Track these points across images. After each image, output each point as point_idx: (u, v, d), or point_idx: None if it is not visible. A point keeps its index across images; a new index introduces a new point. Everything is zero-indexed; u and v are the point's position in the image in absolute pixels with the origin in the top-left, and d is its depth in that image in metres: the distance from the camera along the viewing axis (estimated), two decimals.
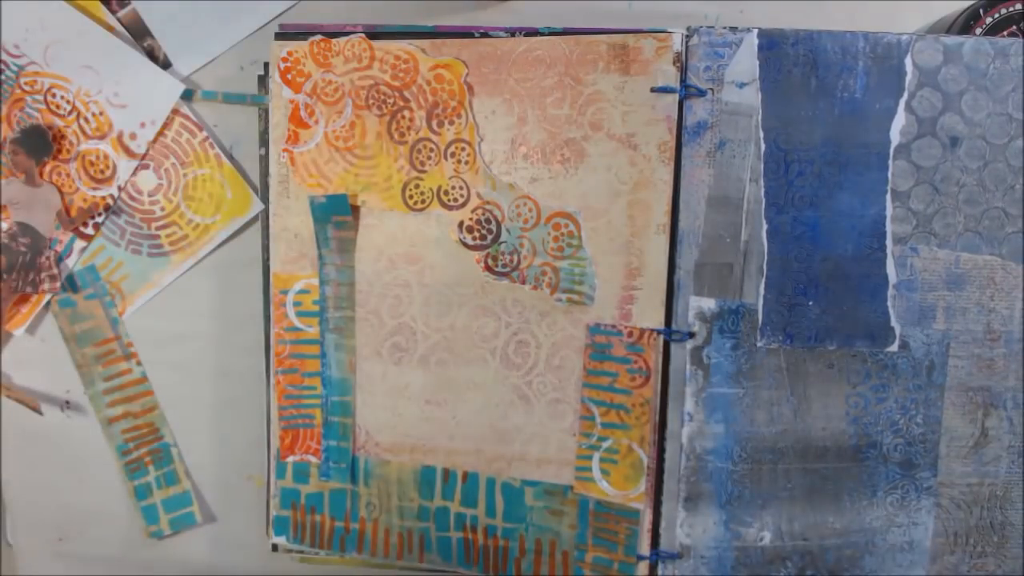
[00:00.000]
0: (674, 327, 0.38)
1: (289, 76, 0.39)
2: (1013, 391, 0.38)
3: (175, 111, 0.40)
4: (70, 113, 0.40)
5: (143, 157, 0.40)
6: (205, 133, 0.41)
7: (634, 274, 0.38)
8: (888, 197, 0.37)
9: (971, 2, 0.39)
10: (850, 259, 0.37)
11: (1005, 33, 0.38)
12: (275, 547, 0.43)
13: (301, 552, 0.43)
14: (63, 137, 0.40)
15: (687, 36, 0.37)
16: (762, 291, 0.38)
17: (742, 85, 0.37)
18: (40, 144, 0.40)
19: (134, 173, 0.41)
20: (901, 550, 0.39)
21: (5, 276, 0.41)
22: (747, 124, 0.37)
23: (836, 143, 0.37)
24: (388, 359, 0.41)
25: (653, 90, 0.37)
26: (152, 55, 0.40)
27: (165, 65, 0.40)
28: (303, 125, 0.39)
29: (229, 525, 0.44)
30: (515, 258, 0.39)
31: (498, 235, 0.39)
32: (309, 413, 0.41)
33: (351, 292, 0.40)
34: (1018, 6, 0.38)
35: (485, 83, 0.38)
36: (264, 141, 0.41)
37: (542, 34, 0.37)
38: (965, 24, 0.38)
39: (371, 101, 0.39)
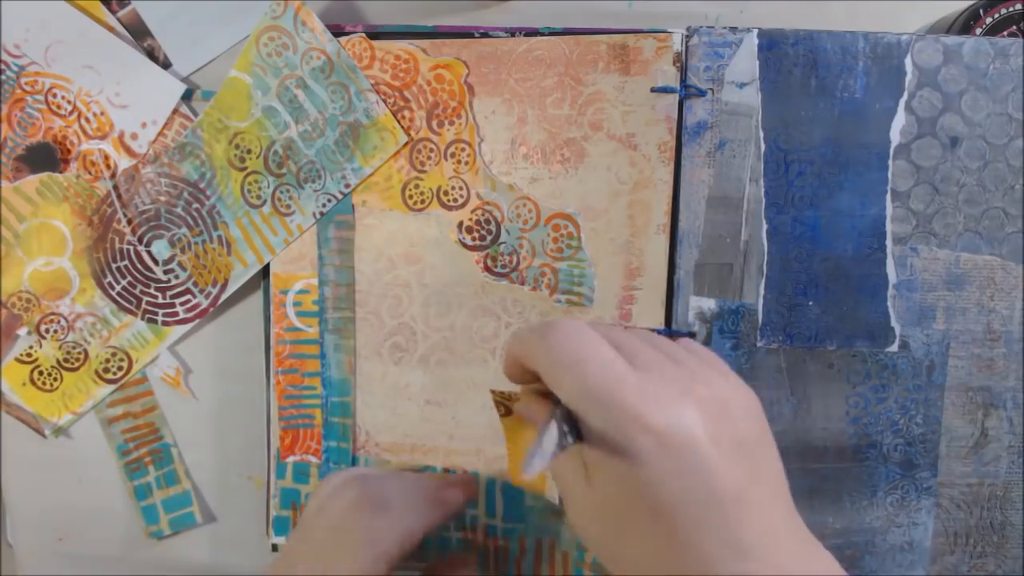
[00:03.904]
0: (674, 327, 0.38)
1: None
2: (1013, 391, 0.38)
3: (175, 111, 0.40)
4: (71, 113, 0.40)
5: (144, 157, 0.40)
6: None
7: (634, 274, 0.38)
8: (888, 197, 0.37)
9: (971, 2, 0.39)
10: (850, 259, 0.37)
11: (1005, 33, 0.38)
12: (275, 547, 0.43)
13: None
14: (68, 151, 0.40)
15: (687, 36, 0.37)
16: (762, 291, 0.38)
17: (742, 85, 0.37)
18: (46, 162, 0.40)
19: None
20: (901, 550, 0.39)
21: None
22: (747, 124, 0.37)
23: (836, 143, 0.37)
24: (388, 359, 0.41)
25: (653, 90, 0.37)
26: (152, 55, 0.40)
27: (165, 65, 0.40)
28: None
29: (229, 525, 0.44)
30: (514, 259, 0.39)
31: (497, 236, 0.39)
32: (309, 413, 0.41)
33: (351, 292, 0.40)
34: (1018, 6, 0.38)
35: (485, 83, 0.38)
36: None
37: (542, 34, 0.37)
38: (965, 24, 0.38)
39: None
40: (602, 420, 0.26)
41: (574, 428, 0.27)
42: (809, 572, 0.26)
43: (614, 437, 0.26)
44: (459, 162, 0.39)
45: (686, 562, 0.25)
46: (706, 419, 0.26)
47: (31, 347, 0.42)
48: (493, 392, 0.35)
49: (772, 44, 0.36)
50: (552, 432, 0.26)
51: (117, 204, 0.41)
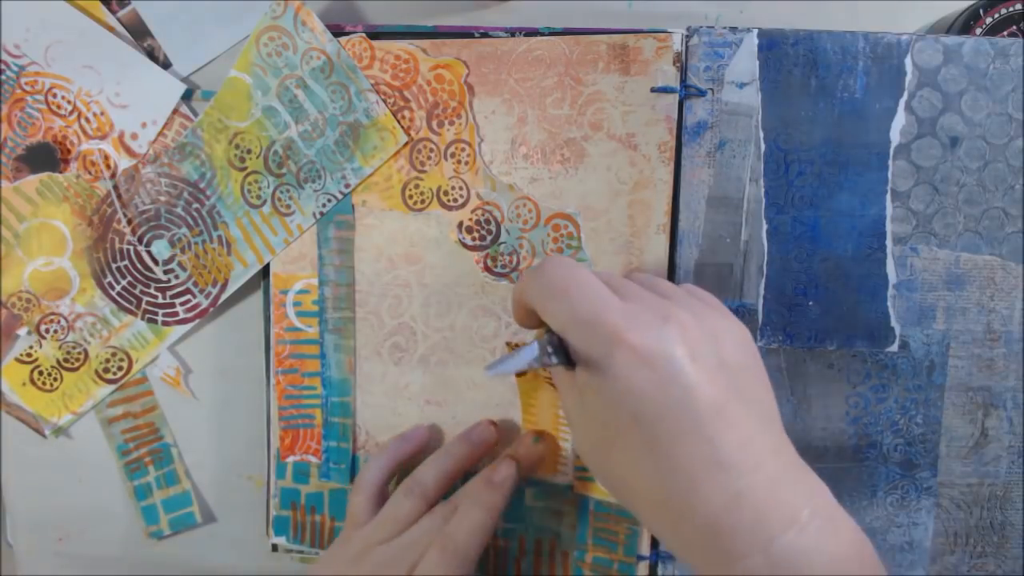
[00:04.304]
0: None
1: None
2: (1013, 391, 0.38)
3: (175, 111, 0.40)
4: (71, 113, 0.40)
5: (144, 157, 0.40)
6: None
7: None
8: (888, 197, 0.37)
9: (971, 2, 0.39)
10: (850, 259, 0.37)
11: (1005, 33, 0.38)
12: (275, 547, 0.43)
13: (301, 552, 0.43)
14: (68, 151, 0.40)
15: (687, 36, 0.37)
16: (762, 291, 0.38)
17: (742, 85, 0.37)
18: (46, 162, 0.40)
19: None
20: (901, 550, 0.39)
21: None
22: (747, 124, 0.37)
23: (836, 143, 0.37)
24: (388, 359, 0.41)
25: (653, 90, 0.37)
26: (152, 55, 0.40)
27: (165, 65, 0.40)
28: None
29: (229, 525, 0.44)
30: (514, 259, 0.39)
31: (497, 236, 0.39)
32: (309, 413, 0.41)
33: (350, 292, 0.40)
34: (1018, 6, 0.38)
35: (485, 83, 0.38)
36: None
37: (542, 34, 0.37)
38: (965, 24, 0.38)
39: None
40: (585, 341, 0.28)
41: (562, 353, 0.29)
42: (790, 489, 0.26)
43: (595, 355, 0.27)
44: (459, 162, 0.39)
45: (664, 471, 0.27)
46: (686, 339, 0.27)
47: (31, 347, 0.42)
48: (508, 344, 0.37)
49: (772, 44, 0.36)
50: (532, 347, 0.29)
51: (117, 204, 0.41)
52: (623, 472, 0.28)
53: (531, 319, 0.32)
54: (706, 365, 0.27)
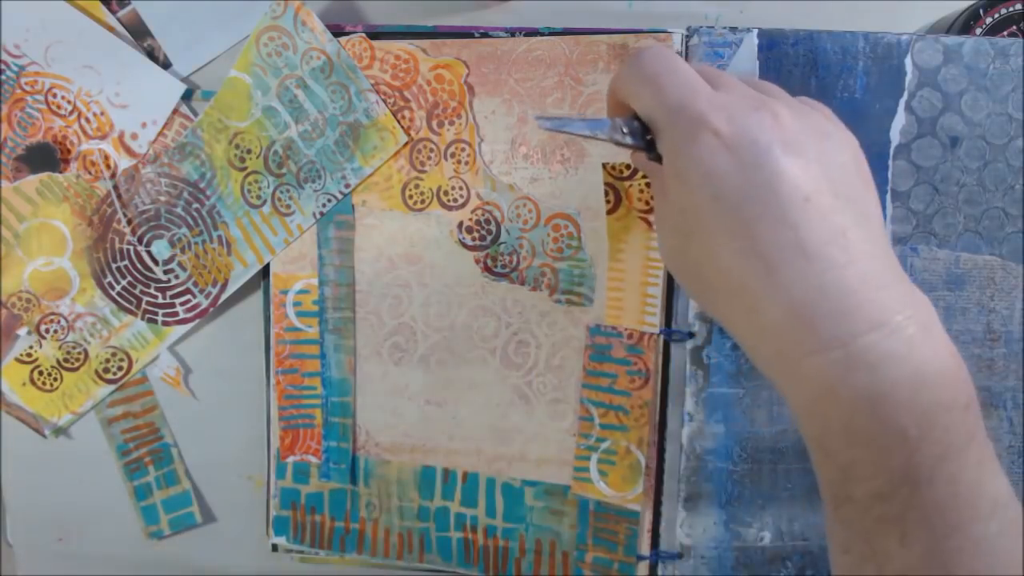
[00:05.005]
0: (674, 327, 0.38)
1: None
2: (1013, 391, 0.38)
3: (175, 111, 0.40)
4: (71, 113, 0.40)
5: (144, 157, 0.40)
6: None
7: None
8: (888, 197, 0.37)
9: (971, 2, 0.39)
10: None
11: (1005, 33, 0.38)
12: (275, 547, 0.43)
13: (301, 552, 0.43)
14: (68, 151, 0.40)
15: (687, 36, 0.37)
16: None
17: None
18: (46, 162, 0.40)
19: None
20: None
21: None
22: None
23: None
24: (388, 359, 0.41)
25: None
26: (152, 55, 0.40)
27: (165, 65, 0.40)
28: None
29: (229, 525, 0.44)
30: (514, 259, 0.39)
31: (497, 236, 0.39)
32: (309, 413, 0.41)
33: (351, 292, 0.40)
34: (1018, 6, 0.38)
35: (485, 83, 0.38)
36: None
37: (542, 34, 0.37)
38: (965, 24, 0.38)
39: None
40: (670, 126, 0.27)
41: (640, 138, 0.29)
42: (884, 292, 0.24)
43: (679, 141, 0.26)
44: (459, 162, 0.39)
45: (743, 256, 0.25)
46: (778, 128, 0.26)
47: (31, 347, 0.42)
48: (605, 166, 0.36)
49: (772, 44, 0.36)
50: (604, 120, 0.29)
51: (117, 204, 0.41)
52: (700, 260, 0.27)
53: (622, 111, 0.31)
54: (797, 153, 0.25)
